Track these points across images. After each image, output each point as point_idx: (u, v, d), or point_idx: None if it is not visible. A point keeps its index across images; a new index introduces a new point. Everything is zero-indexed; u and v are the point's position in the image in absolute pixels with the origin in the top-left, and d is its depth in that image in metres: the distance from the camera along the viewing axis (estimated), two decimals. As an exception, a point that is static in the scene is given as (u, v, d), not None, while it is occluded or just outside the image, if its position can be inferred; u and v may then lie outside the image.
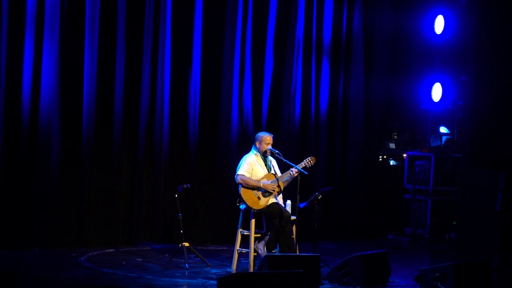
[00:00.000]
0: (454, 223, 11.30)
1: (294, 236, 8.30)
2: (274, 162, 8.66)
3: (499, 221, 10.02)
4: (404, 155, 12.19)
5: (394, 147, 12.38)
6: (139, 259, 9.03)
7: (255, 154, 8.53)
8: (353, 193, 11.57)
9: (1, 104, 9.17)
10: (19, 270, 7.37)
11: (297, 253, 8.10)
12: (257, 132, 8.97)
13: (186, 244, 8.71)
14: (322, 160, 11.22)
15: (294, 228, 8.36)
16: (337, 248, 10.57)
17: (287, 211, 8.41)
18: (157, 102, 10.06)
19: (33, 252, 9.13)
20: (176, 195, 8.79)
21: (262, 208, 8.33)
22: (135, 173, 10.00)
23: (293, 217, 8.36)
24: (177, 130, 10.30)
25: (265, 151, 8.48)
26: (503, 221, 10.11)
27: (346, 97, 11.55)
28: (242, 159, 8.54)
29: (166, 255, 9.21)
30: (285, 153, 8.74)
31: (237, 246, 8.50)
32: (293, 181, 8.35)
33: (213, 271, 8.46)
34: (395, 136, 12.48)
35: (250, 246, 8.36)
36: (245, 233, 8.49)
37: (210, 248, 10.12)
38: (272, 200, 8.39)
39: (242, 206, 8.44)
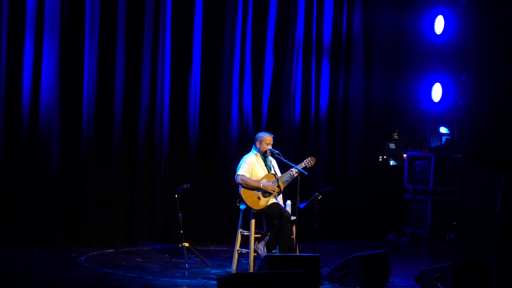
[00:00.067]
0: (454, 223, 11.29)
1: (294, 236, 8.30)
2: (274, 162, 8.66)
3: (499, 221, 10.02)
4: (404, 155, 12.19)
5: (394, 147, 12.38)
6: (139, 259, 9.03)
7: (255, 154, 8.53)
8: (353, 193, 11.57)
9: (1, 104, 9.17)
10: (19, 270, 7.36)
11: (297, 253, 8.10)
12: (257, 132, 8.97)
13: (186, 244, 8.70)
14: (322, 160, 11.22)
15: (294, 228, 8.36)
16: (337, 248, 10.57)
17: (287, 211, 8.41)
18: (157, 102, 10.06)
19: (33, 252, 9.13)
20: (176, 195, 8.79)
21: (262, 208, 8.33)
22: (135, 173, 10.00)
23: (293, 217, 8.36)
24: (177, 130, 10.30)
25: (265, 151, 8.48)
26: (503, 221, 10.11)
27: (346, 97, 11.55)
28: (242, 159, 8.54)
29: (166, 255, 9.21)
30: (285, 153, 8.74)
31: (237, 246, 8.50)
32: (293, 181, 8.35)
33: (213, 271, 8.46)
34: (396, 136, 12.48)
35: (250, 246, 8.36)
36: (245, 233, 8.49)
37: (210, 248, 10.12)
38: (272, 200, 8.38)
39: (242, 206, 8.44)
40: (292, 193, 8.54)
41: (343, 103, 11.53)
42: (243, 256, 8.59)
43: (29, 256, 8.88)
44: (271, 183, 8.36)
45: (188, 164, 10.32)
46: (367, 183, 11.68)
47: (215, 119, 10.54)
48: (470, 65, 11.04)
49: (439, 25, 11.65)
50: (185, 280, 7.95)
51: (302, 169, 8.25)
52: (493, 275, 8.22)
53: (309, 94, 11.18)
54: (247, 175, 8.38)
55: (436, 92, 11.67)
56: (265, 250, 8.28)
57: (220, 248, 10.09)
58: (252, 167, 8.43)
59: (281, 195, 8.52)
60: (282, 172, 8.55)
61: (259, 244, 8.38)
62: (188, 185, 8.94)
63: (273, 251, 8.24)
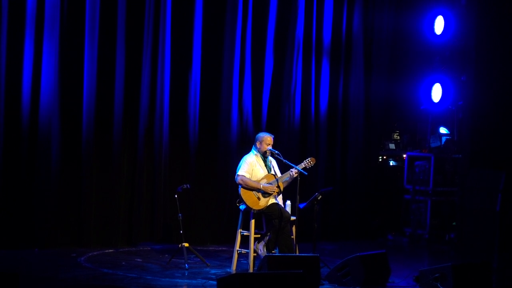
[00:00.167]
0: (454, 223, 11.29)
1: (293, 236, 8.31)
2: (274, 163, 8.66)
3: (499, 221, 10.01)
4: (404, 155, 12.19)
5: (394, 148, 12.38)
6: (139, 260, 9.03)
7: (255, 154, 8.53)
8: (353, 193, 11.57)
9: (1, 104, 9.17)
10: (19, 270, 7.37)
11: (297, 254, 8.10)
12: (257, 132, 8.98)
13: (186, 244, 8.70)
14: (322, 160, 11.22)
15: (294, 228, 8.37)
16: (337, 249, 10.57)
17: (287, 211, 8.41)
18: (157, 102, 10.06)
19: (33, 252, 9.13)
20: (176, 196, 8.79)
21: (262, 209, 8.33)
22: (135, 173, 9.99)
23: (293, 218, 8.36)
24: (177, 130, 10.30)
25: (265, 152, 8.48)
26: (503, 221, 10.11)
27: (346, 97, 11.55)
28: (242, 159, 8.54)
29: (166, 255, 9.21)
30: (285, 153, 8.74)
31: (237, 247, 8.50)
32: (293, 181, 8.35)
33: (213, 271, 8.46)
34: (397, 137, 12.48)
35: (250, 247, 8.36)
36: (244, 234, 8.49)
37: (210, 248, 10.12)
38: (272, 200, 8.39)
39: (242, 207, 8.45)
40: (292, 193, 8.54)
41: (343, 103, 11.53)
42: (243, 256, 8.59)
43: (29, 256, 8.89)
44: (271, 184, 8.35)
45: (188, 164, 10.32)
46: (367, 183, 11.68)
47: (215, 119, 10.54)
48: (470, 66, 11.04)
49: (439, 25, 11.65)
50: (185, 280, 7.95)
51: (302, 169, 8.25)
52: (493, 276, 8.22)
53: (309, 94, 11.18)
54: (247, 175, 8.38)
55: (436, 93, 11.67)
56: (265, 250, 8.28)
57: (220, 248, 10.09)
58: (252, 167, 8.43)
59: (281, 195, 8.52)
60: (282, 173, 8.55)
61: (259, 244, 8.38)
62: (188, 185, 8.94)
63: (272, 252, 8.24)
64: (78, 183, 9.64)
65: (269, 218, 8.34)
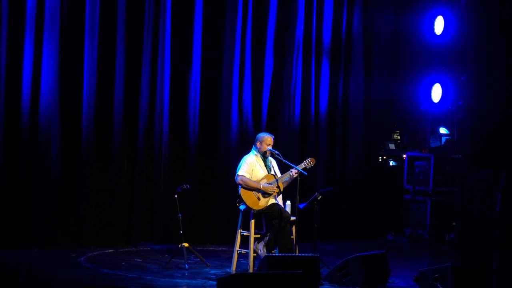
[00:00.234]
0: (454, 223, 11.29)
1: (293, 236, 8.31)
2: (274, 163, 8.66)
3: (499, 221, 10.02)
4: (404, 155, 12.19)
5: (394, 148, 12.38)
6: (138, 260, 9.04)
7: (255, 154, 8.53)
8: (353, 193, 11.57)
9: (1, 104, 9.17)
10: (19, 270, 7.37)
11: (297, 254, 8.10)
12: (257, 132, 8.98)
13: (186, 244, 8.70)
14: (322, 160, 11.22)
15: (293, 228, 8.37)
16: (337, 249, 10.57)
17: (287, 211, 8.41)
18: (157, 102, 10.06)
19: (33, 252, 9.13)
20: (175, 196, 8.79)
21: (262, 209, 8.33)
22: (135, 173, 9.99)
23: (292, 218, 8.36)
24: (177, 130, 10.30)
25: (265, 152, 8.48)
26: (503, 222, 10.11)
27: (346, 97, 11.55)
28: (242, 159, 8.54)
29: (166, 255, 9.21)
30: (285, 153, 8.74)
31: (237, 247, 8.50)
32: (293, 181, 8.35)
33: (213, 271, 8.46)
34: (397, 137, 12.48)
35: (250, 247, 8.36)
36: (244, 234, 8.49)
37: (210, 248, 10.12)
38: (272, 200, 8.39)
39: (242, 207, 8.45)
40: (292, 193, 8.54)
41: (343, 103, 11.53)
42: (243, 257, 8.59)
43: (29, 256, 8.89)
44: (271, 184, 8.35)
45: (188, 164, 10.32)
46: (367, 183, 11.68)
47: (215, 119, 10.54)
48: (470, 66, 11.04)
49: (439, 25, 11.65)
50: (185, 281, 7.95)
51: (301, 169, 8.25)
52: (493, 276, 8.22)
53: (309, 94, 11.19)
54: (247, 175, 8.38)
55: (436, 93, 11.67)
56: (265, 250, 8.28)
57: (220, 249, 10.09)
58: (252, 167, 8.43)
59: (281, 195, 8.52)
60: (282, 173, 8.55)
61: (259, 244, 8.38)
62: (188, 185, 8.94)
63: (272, 252, 8.24)
64: (78, 183, 9.64)
65: (269, 218, 8.34)
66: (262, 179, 8.42)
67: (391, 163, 12.45)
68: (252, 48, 10.72)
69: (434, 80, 11.70)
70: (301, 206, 8.36)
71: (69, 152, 9.60)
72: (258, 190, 8.33)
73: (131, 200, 10.00)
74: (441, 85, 11.61)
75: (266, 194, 8.36)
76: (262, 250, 8.32)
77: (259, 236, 8.45)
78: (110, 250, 9.55)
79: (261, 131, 9.79)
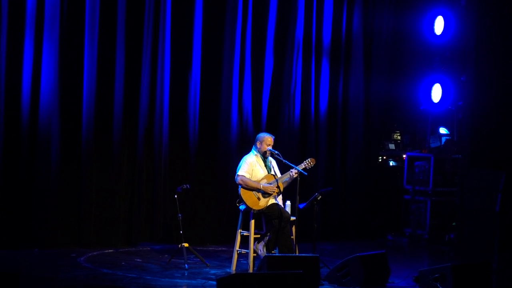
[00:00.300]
0: (454, 224, 11.29)
1: (293, 236, 8.31)
2: (274, 163, 8.66)
3: (499, 221, 10.02)
4: (404, 155, 12.19)
5: (394, 148, 12.38)
6: (138, 260, 9.04)
7: (255, 154, 8.54)
8: (353, 193, 11.57)
9: (1, 104, 9.17)
10: (19, 270, 7.37)
11: (297, 254, 8.10)
12: (257, 132, 8.99)
13: (186, 244, 8.70)
14: (322, 160, 11.22)
15: (293, 228, 8.37)
16: (337, 249, 10.57)
17: (287, 211, 8.41)
18: (157, 102, 10.06)
19: (33, 252, 9.13)
20: (175, 196, 8.79)
21: (262, 209, 8.33)
22: (135, 173, 10.00)
23: (292, 218, 8.36)
24: (177, 130, 10.30)
25: (265, 152, 8.48)
26: (503, 222, 10.11)
27: (346, 97, 11.55)
28: (242, 159, 8.54)
29: (166, 255, 9.21)
30: (285, 153, 8.74)
31: (237, 247, 8.50)
32: (293, 182, 8.35)
33: (213, 271, 8.46)
34: (397, 137, 12.48)
35: (250, 247, 8.36)
36: (244, 234, 8.49)
37: (210, 248, 10.12)
38: (272, 200, 8.39)
39: (242, 207, 8.45)
40: (291, 193, 8.54)
41: (343, 103, 11.54)
42: (243, 257, 8.60)
43: (29, 256, 8.89)
44: (271, 185, 8.35)
45: (188, 164, 10.32)
46: (367, 183, 11.68)
47: (215, 119, 10.54)
48: (470, 66, 11.04)
49: (439, 25, 11.65)
50: (185, 281, 7.95)
51: (301, 170, 8.25)
52: (493, 276, 8.22)
53: (309, 94, 11.19)
54: (247, 175, 8.38)
55: (436, 93, 11.67)
56: (265, 250, 8.29)
57: (220, 249, 10.09)
58: (252, 167, 8.44)
59: (281, 195, 8.52)
60: (282, 173, 8.56)
61: (259, 244, 8.38)
62: (188, 185, 8.94)
63: (272, 252, 8.24)
64: (78, 183, 9.64)
65: (269, 218, 8.34)
66: (262, 179, 8.42)
67: (391, 163, 12.45)
68: (252, 48, 10.72)
69: (434, 80, 11.69)
70: (301, 206, 8.36)
71: (69, 152, 9.60)
72: (258, 190, 8.33)
73: (131, 200, 10.00)
74: (441, 85, 11.61)
75: (266, 194, 8.36)
76: (262, 250, 8.32)
77: (259, 236, 8.45)
78: (110, 250, 9.55)
79: (261, 131, 9.79)
